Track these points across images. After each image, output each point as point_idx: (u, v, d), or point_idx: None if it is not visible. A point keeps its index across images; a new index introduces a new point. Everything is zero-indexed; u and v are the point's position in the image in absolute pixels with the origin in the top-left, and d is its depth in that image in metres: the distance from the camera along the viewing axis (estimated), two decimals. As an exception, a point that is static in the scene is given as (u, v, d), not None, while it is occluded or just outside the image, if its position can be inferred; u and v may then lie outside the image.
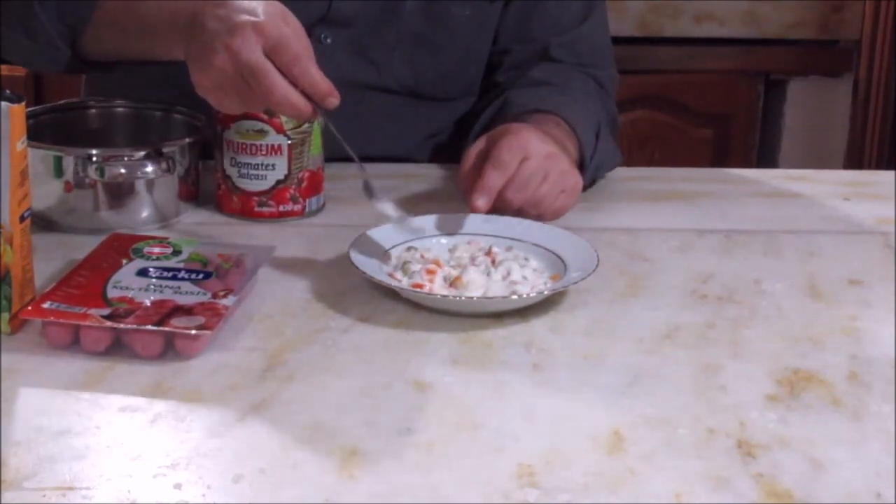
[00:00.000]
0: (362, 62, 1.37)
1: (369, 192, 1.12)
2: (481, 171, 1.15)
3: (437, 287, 1.03)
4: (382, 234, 1.11)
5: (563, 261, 1.08)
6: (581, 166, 1.26)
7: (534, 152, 1.16)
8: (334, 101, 1.08)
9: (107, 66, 1.29)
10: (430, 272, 1.05)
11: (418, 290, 1.02)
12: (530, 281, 1.04)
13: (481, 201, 1.14)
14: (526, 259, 1.08)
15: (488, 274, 1.05)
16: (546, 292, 1.02)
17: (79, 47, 1.26)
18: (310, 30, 1.35)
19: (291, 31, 1.07)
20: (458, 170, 1.20)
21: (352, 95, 1.28)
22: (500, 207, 1.15)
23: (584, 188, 1.23)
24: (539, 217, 1.17)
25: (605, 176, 1.35)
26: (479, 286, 1.03)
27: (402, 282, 1.04)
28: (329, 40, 1.36)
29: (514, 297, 1.01)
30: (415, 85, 1.40)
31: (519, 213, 1.16)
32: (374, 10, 1.35)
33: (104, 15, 1.22)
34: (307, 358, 0.95)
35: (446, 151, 1.46)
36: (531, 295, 1.02)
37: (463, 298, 1.01)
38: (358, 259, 1.05)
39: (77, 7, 1.23)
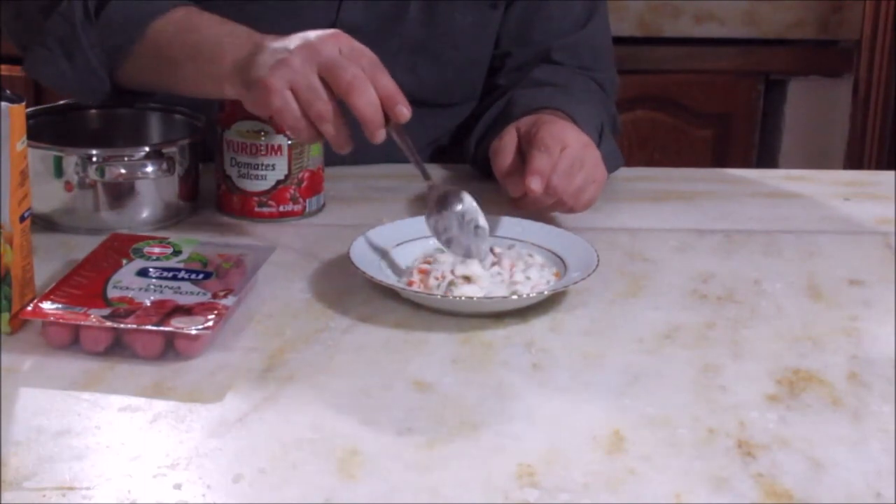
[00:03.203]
0: None
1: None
2: (528, 156, 1.15)
3: (431, 286, 1.03)
4: (382, 234, 1.11)
5: (563, 261, 1.08)
6: None
7: (572, 141, 1.16)
8: (404, 110, 1.09)
9: (140, 95, 1.27)
10: (423, 271, 1.05)
11: (419, 290, 1.02)
12: (532, 280, 1.04)
13: (536, 183, 1.13)
14: (531, 255, 1.08)
15: (492, 273, 1.05)
16: (546, 292, 1.02)
17: (117, 76, 1.23)
18: None
19: (347, 52, 1.07)
20: (496, 160, 1.19)
21: None
22: (538, 197, 1.15)
23: None
24: (570, 209, 1.17)
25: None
26: (480, 286, 1.03)
27: (416, 283, 1.04)
28: None
29: (514, 297, 1.01)
30: (417, 92, 1.39)
31: (552, 205, 1.17)
32: (379, 18, 1.35)
33: (150, 43, 1.19)
34: (307, 358, 0.95)
35: (445, 153, 1.46)
36: (531, 295, 1.02)
37: (463, 298, 1.01)
38: (358, 259, 1.05)
39: (122, 33, 1.20)
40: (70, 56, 1.21)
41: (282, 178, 1.20)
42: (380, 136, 1.07)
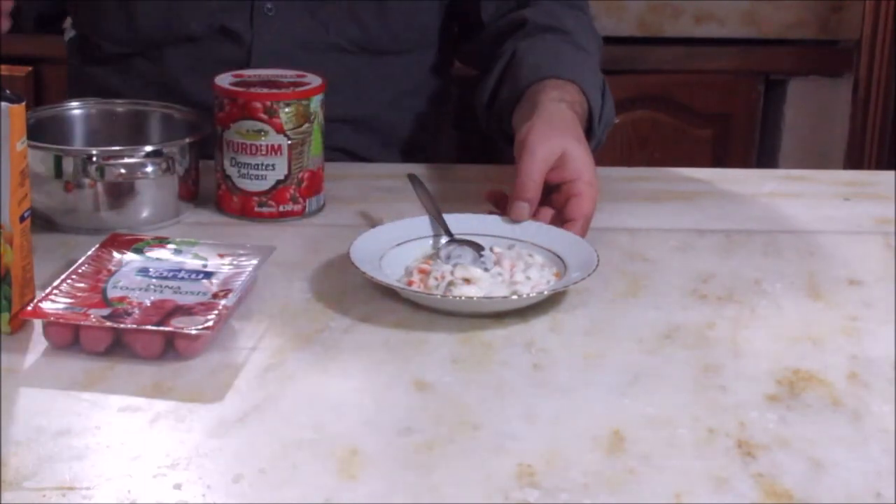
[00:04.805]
0: (311, 23, 1.38)
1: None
2: (571, 205, 1.14)
3: (431, 286, 1.03)
4: (382, 234, 1.11)
5: (563, 261, 1.08)
6: (589, 132, 1.27)
7: (588, 174, 1.15)
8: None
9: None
10: (423, 271, 1.05)
11: (418, 290, 1.02)
12: (532, 280, 1.04)
13: (581, 228, 1.13)
14: (531, 256, 1.08)
15: (492, 274, 1.05)
16: (546, 292, 1.02)
17: None
18: (251, 3, 1.36)
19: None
20: (524, 186, 1.15)
21: (307, 58, 1.28)
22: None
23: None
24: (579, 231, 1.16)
25: (604, 140, 1.35)
26: (480, 286, 1.03)
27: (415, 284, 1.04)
28: (272, 12, 1.37)
29: (514, 297, 1.01)
30: (364, 40, 1.40)
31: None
32: None
33: None
34: (307, 358, 0.95)
35: (421, 108, 1.46)
36: (531, 295, 1.02)
37: (462, 298, 1.01)
38: (358, 259, 1.05)
39: None
40: None
41: (282, 178, 1.20)
42: None
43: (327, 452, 0.81)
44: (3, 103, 0.93)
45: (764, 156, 2.46)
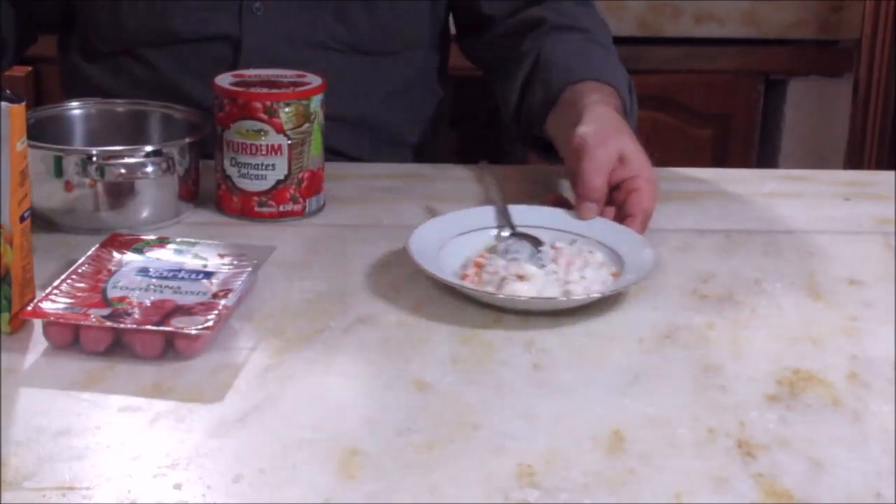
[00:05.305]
0: (300, 23, 1.38)
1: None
2: (631, 200, 1.15)
3: (484, 280, 1.03)
4: (444, 223, 1.12)
5: (622, 260, 1.08)
6: None
7: (647, 171, 1.18)
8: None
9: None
10: (478, 265, 1.06)
11: (472, 286, 1.02)
12: (587, 280, 1.04)
13: (640, 224, 1.14)
14: (591, 253, 1.09)
15: (547, 272, 1.05)
16: (597, 294, 1.02)
17: None
18: (240, 2, 1.36)
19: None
20: (587, 182, 1.16)
21: (296, 58, 1.28)
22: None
23: None
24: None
25: None
26: (533, 284, 1.03)
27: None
28: (261, 11, 1.37)
29: (563, 298, 1.01)
30: (353, 40, 1.40)
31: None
32: None
33: None
34: (307, 358, 0.95)
35: (413, 109, 1.46)
36: (583, 296, 1.02)
37: (522, 298, 1.01)
38: (416, 249, 1.05)
39: None
40: None
41: (282, 178, 1.20)
42: None
43: (327, 452, 0.81)
44: (3, 103, 0.93)
45: (764, 156, 2.47)
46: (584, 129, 1.18)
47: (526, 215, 1.15)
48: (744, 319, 1.03)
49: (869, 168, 2.42)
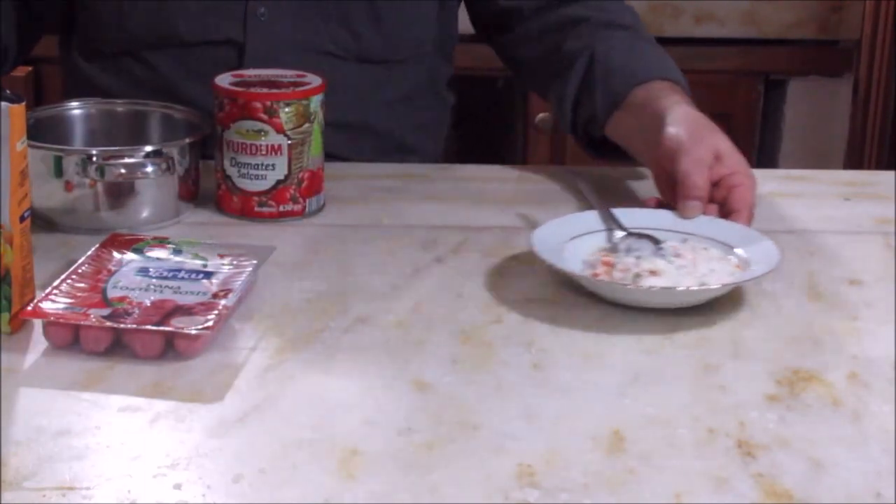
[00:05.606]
0: (304, 30, 1.37)
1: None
2: (734, 195, 1.16)
3: (616, 278, 1.03)
4: (556, 229, 1.11)
5: (737, 253, 1.09)
6: None
7: (744, 166, 1.20)
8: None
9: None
10: (607, 263, 1.06)
11: (608, 280, 1.03)
12: (718, 272, 1.04)
13: (746, 218, 1.15)
14: (706, 249, 1.09)
15: (677, 266, 1.05)
16: (732, 284, 1.03)
17: None
18: (244, 5, 1.36)
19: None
20: (689, 183, 1.16)
21: (300, 64, 1.28)
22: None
23: None
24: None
25: None
26: (666, 278, 1.03)
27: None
28: (265, 17, 1.36)
29: (702, 287, 1.02)
30: (357, 48, 1.39)
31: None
32: None
33: None
34: (307, 358, 0.95)
35: (416, 116, 1.46)
36: (719, 286, 1.02)
37: (656, 289, 1.01)
38: (542, 251, 1.05)
39: None
40: None
41: (282, 178, 1.20)
42: None
43: (327, 452, 0.81)
44: (3, 103, 0.93)
45: (764, 156, 2.46)
46: (675, 130, 1.19)
47: (632, 217, 1.14)
48: (744, 319, 1.03)
49: (869, 168, 2.42)
